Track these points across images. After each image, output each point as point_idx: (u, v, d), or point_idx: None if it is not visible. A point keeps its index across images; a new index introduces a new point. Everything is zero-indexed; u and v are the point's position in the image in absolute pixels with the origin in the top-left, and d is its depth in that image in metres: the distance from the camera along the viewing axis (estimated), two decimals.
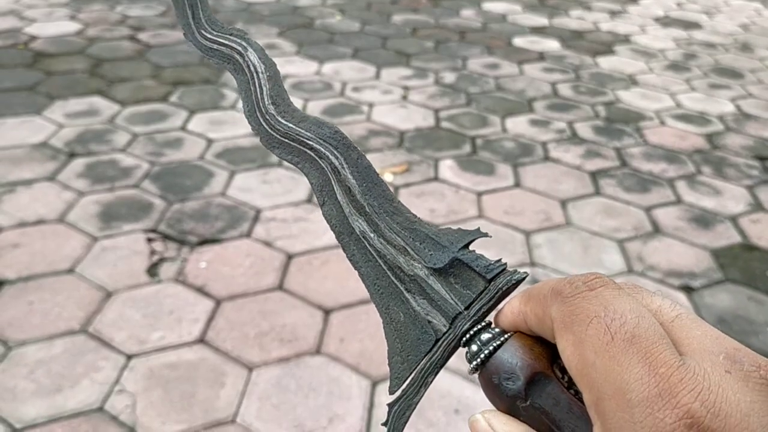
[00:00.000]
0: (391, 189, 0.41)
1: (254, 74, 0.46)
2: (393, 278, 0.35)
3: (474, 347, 0.30)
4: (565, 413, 0.27)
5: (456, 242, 0.34)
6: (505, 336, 0.30)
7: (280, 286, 1.79)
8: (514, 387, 0.28)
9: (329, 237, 1.98)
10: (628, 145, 2.71)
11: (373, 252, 0.36)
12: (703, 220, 2.23)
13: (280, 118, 0.42)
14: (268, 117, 0.43)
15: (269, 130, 0.42)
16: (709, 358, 0.23)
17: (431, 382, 0.32)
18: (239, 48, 0.49)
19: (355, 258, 0.37)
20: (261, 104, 0.44)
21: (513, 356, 0.29)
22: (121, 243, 1.91)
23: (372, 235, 0.37)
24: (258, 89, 0.45)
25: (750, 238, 2.15)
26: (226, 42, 0.50)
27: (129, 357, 1.54)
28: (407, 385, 0.32)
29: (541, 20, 4.25)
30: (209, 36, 0.52)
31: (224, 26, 0.52)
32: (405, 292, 0.34)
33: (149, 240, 1.94)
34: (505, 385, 0.28)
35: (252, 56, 0.47)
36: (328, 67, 3.27)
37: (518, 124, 2.81)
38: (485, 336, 0.30)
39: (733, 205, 2.33)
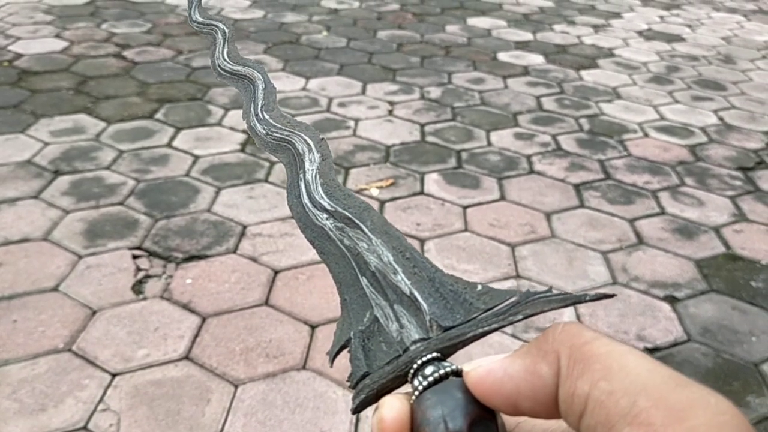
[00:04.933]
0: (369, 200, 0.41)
1: (304, 162, 0.48)
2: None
3: (430, 368, 0.28)
4: None
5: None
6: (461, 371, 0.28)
7: (266, 302, 1.79)
8: (460, 423, 0.26)
9: (315, 252, 1.98)
10: (612, 157, 2.73)
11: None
12: (687, 230, 2.25)
13: (322, 200, 0.43)
14: (314, 201, 0.43)
15: (310, 211, 0.43)
16: None
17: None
18: (298, 140, 0.51)
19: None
20: (310, 190, 0.44)
21: (466, 392, 0.27)
22: (106, 260, 1.91)
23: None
24: (305, 175, 0.46)
25: (733, 248, 2.17)
26: (286, 134, 0.53)
27: (114, 375, 1.53)
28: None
29: (526, 35, 4.29)
30: (270, 128, 0.55)
31: (287, 119, 0.54)
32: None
33: (134, 257, 1.93)
34: (451, 415, 0.26)
35: (309, 153, 0.49)
36: (314, 83, 3.28)
37: (503, 138, 2.83)
38: (446, 364, 0.29)
39: (716, 216, 2.35)
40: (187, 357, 1.59)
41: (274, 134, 0.53)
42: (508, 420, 0.29)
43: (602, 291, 1.91)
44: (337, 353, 0.33)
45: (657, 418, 0.21)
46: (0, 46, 3.49)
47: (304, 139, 0.50)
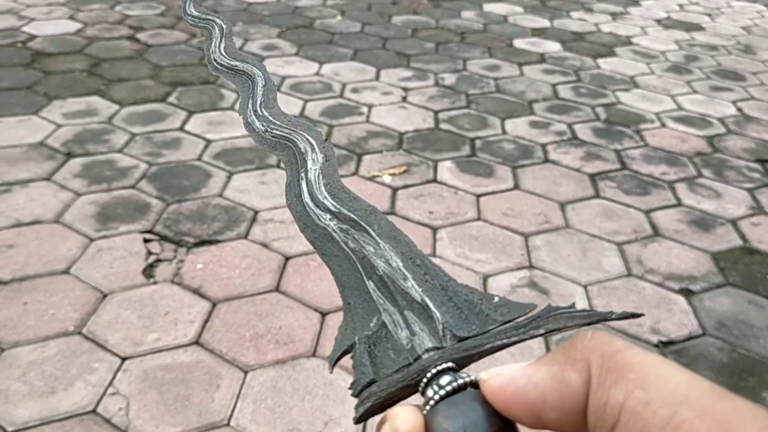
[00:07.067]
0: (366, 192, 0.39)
1: (306, 161, 0.47)
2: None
3: (446, 378, 0.27)
4: None
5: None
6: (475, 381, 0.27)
7: (277, 288, 1.78)
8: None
9: None
10: (629, 147, 2.69)
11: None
12: (704, 223, 2.21)
13: (325, 200, 0.42)
14: (316, 201, 0.42)
15: (311, 211, 0.41)
16: None
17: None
18: (299, 138, 0.50)
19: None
20: (312, 189, 0.43)
21: (486, 404, 0.25)
22: (118, 244, 1.90)
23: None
24: (306, 174, 0.45)
25: (751, 241, 2.14)
26: (287, 132, 0.52)
27: (123, 359, 1.53)
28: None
29: (543, 22, 4.24)
30: (270, 126, 0.54)
31: (288, 117, 0.54)
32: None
33: (146, 241, 1.92)
34: (473, 426, 0.24)
35: (311, 151, 0.48)
36: (327, 68, 3.26)
37: (518, 126, 2.80)
38: (462, 374, 0.28)
39: (733, 208, 2.31)
40: (197, 342, 1.59)
41: (274, 131, 0.52)
42: None
43: (617, 283, 1.89)
44: (339, 358, 0.32)
45: (702, 428, 0.20)
46: (14, 27, 3.48)
47: (307, 139, 0.49)
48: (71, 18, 3.68)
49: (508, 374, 0.25)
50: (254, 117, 0.55)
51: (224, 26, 0.76)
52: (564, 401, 0.23)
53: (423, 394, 0.27)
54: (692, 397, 0.21)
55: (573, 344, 0.24)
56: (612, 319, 0.27)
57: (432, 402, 0.26)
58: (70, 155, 2.33)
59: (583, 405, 0.23)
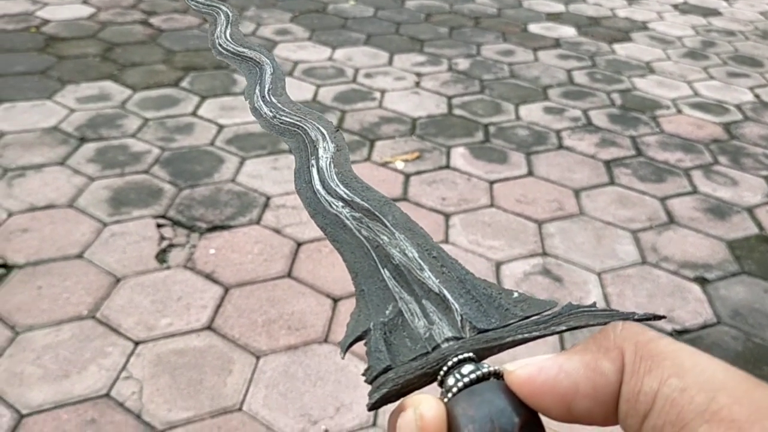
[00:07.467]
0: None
1: (317, 149, 0.46)
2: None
3: (469, 367, 0.26)
4: None
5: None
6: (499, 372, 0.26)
7: (289, 274, 1.78)
8: (511, 424, 0.24)
9: None
10: (644, 133, 2.67)
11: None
12: (719, 210, 2.19)
13: (337, 188, 0.41)
14: (328, 188, 0.42)
15: (323, 197, 0.41)
16: None
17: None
18: (308, 126, 0.50)
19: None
20: (323, 176, 0.43)
21: (510, 394, 0.24)
22: (131, 228, 1.91)
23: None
24: (318, 161, 0.45)
25: (767, 229, 2.11)
26: (296, 119, 0.52)
27: (137, 343, 1.54)
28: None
29: (558, 6, 4.19)
30: (278, 113, 0.54)
31: (298, 106, 0.54)
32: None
33: (159, 226, 1.93)
34: (500, 415, 0.24)
35: (320, 137, 0.48)
36: (340, 52, 3.24)
37: (532, 112, 2.77)
38: (485, 364, 0.27)
39: (750, 196, 2.29)
40: (209, 327, 1.59)
41: (283, 118, 0.52)
42: None
43: (632, 271, 1.87)
44: (351, 344, 0.31)
45: (742, 414, 0.20)
46: (28, 11, 3.48)
47: (318, 128, 0.49)
48: (84, 2, 3.68)
49: (537, 364, 0.24)
50: (262, 103, 0.55)
51: (230, 13, 0.76)
52: (597, 390, 0.23)
53: (442, 383, 0.27)
54: (730, 385, 0.21)
55: (605, 334, 0.24)
56: (634, 320, 0.26)
57: (454, 390, 0.25)
58: (83, 140, 2.34)
59: (615, 394, 0.23)
